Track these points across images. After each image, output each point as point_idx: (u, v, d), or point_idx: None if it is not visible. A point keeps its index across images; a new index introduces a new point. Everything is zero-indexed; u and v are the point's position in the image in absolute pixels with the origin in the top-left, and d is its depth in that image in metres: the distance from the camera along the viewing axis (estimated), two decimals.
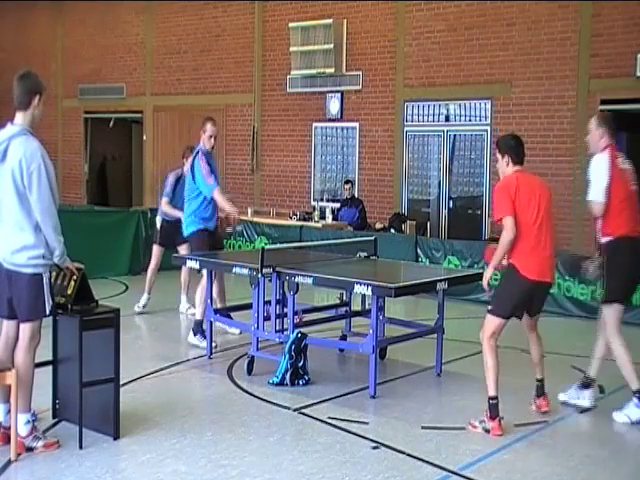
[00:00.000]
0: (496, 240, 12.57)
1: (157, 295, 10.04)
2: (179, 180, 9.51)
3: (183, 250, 9.32)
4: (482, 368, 7.69)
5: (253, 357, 7.18)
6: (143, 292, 9.79)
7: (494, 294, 6.12)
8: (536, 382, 6.37)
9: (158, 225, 9.87)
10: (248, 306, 7.50)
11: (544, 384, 6.35)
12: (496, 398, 5.84)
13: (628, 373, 6.18)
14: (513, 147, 6.01)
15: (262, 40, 16.43)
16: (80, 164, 20.54)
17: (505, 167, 6.01)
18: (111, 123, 19.75)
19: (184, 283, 9.77)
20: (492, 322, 6.00)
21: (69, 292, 5.30)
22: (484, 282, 6.03)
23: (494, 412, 5.82)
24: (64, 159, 20.71)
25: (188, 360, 7.59)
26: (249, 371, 7.12)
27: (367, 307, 7.56)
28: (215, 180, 8.14)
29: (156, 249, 9.86)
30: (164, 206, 9.61)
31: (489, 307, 6.04)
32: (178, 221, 9.18)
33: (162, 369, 7.24)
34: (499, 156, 6.06)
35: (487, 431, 5.78)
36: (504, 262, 6.00)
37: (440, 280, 7.04)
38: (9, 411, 5.13)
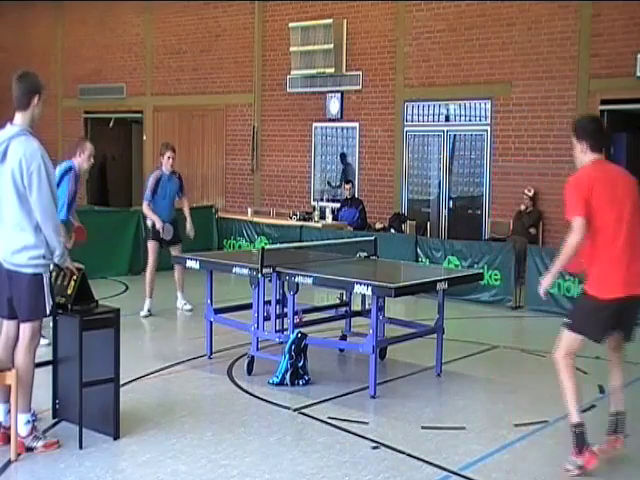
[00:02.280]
0: (497, 240, 12.62)
1: (156, 295, 10.05)
2: (159, 181, 9.58)
3: (175, 251, 9.54)
4: (482, 368, 7.73)
5: (253, 357, 7.18)
6: (143, 293, 9.75)
7: (574, 307, 5.39)
8: (615, 417, 5.32)
9: (149, 224, 9.72)
10: (248, 306, 7.50)
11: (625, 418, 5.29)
12: (581, 425, 5.02)
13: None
14: (591, 132, 5.14)
15: (262, 40, 16.43)
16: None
17: (582, 155, 5.15)
18: (111, 123, 19.74)
19: (178, 281, 9.84)
20: (569, 339, 5.17)
21: (69, 292, 5.30)
22: (542, 290, 5.30)
23: (580, 442, 5.00)
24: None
25: (188, 360, 7.58)
26: (249, 371, 7.12)
27: (367, 307, 7.56)
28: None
29: (151, 245, 9.63)
30: (144, 209, 9.59)
31: (566, 320, 5.21)
32: (172, 221, 9.61)
33: (162, 369, 7.24)
34: (575, 141, 5.18)
35: (581, 467, 5.00)
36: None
37: (440, 280, 7.04)
38: (9, 411, 5.13)
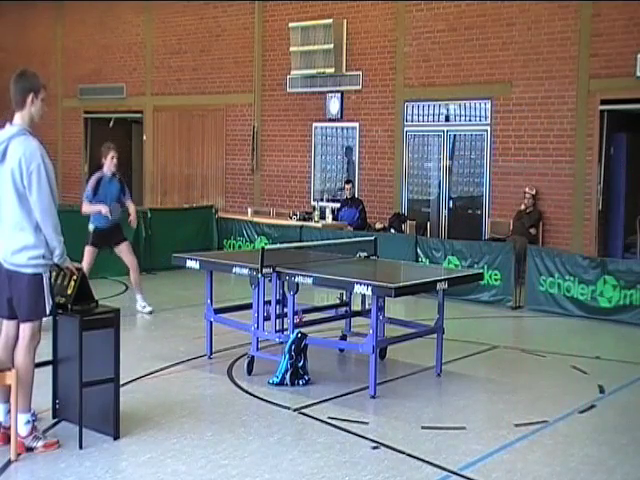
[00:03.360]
0: (497, 240, 12.61)
1: (156, 295, 10.05)
2: (100, 181, 9.46)
3: (122, 250, 9.59)
4: (482, 368, 7.73)
5: (253, 357, 7.17)
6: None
7: None
8: None
9: (91, 229, 9.48)
10: (248, 306, 7.50)
11: None
12: None
13: None
14: None
15: (262, 40, 16.43)
16: (80, 164, 20.55)
17: None
18: (111, 123, 19.75)
19: (134, 282, 9.71)
20: None
21: (69, 292, 5.30)
22: None
23: None
24: (64, 159, 20.72)
25: (188, 360, 7.58)
26: (249, 371, 7.12)
27: (367, 307, 7.56)
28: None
29: (89, 250, 9.39)
30: (84, 208, 9.41)
31: None
32: (114, 226, 9.49)
33: (162, 369, 7.24)
34: None
35: None
36: None
37: (440, 280, 7.03)
38: (9, 411, 5.13)
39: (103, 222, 9.39)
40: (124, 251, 9.65)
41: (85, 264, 9.33)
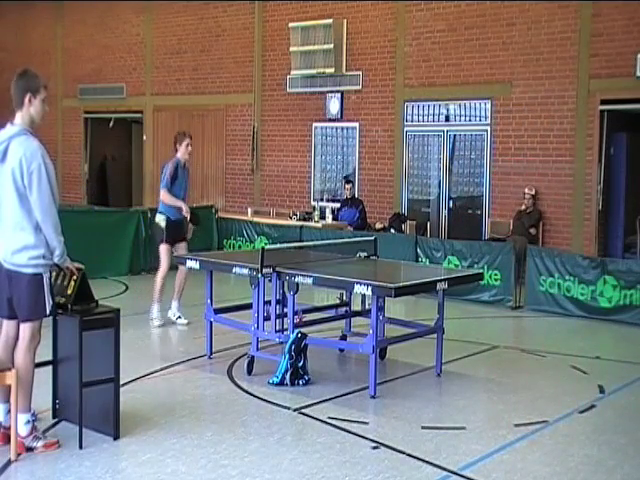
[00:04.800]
0: (497, 240, 12.62)
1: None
2: (177, 168, 9.07)
3: (181, 249, 9.06)
4: (482, 368, 7.73)
5: (253, 357, 7.18)
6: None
7: None
8: None
9: (163, 224, 8.99)
10: (248, 306, 7.50)
11: None
12: None
13: None
14: None
15: (262, 40, 16.43)
16: (80, 164, 20.56)
17: None
18: (111, 123, 19.75)
19: (177, 287, 9.19)
20: None
21: (69, 292, 5.30)
22: None
23: None
24: (64, 159, 20.71)
25: (188, 360, 7.58)
26: (249, 371, 7.12)
27: (367, 307, 7.56)
28: None
29: (164, 249, 8.99)
30: (164, 197, 8.94)
31: None
32: (181, 219, 9.07)
33: (162, 369, 7.24)
34: None
35: None
36: None
37: (440, 280, 7.03)
38: (9, 411, 5.13)
39: (176, 214, 8.99)
40: (183, 249, 9.07)
41: (164, 265, 8.99)
